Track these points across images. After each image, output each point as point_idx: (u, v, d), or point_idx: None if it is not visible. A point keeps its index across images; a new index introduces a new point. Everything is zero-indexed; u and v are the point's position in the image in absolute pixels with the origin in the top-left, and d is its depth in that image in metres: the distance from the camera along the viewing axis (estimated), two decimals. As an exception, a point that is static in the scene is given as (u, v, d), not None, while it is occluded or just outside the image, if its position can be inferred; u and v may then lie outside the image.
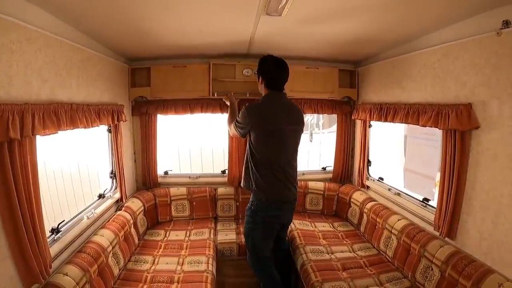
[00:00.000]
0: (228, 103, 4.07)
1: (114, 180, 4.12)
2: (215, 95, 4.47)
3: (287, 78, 3.28)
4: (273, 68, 3.22)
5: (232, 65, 4.55)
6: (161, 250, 3.89)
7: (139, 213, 4.21)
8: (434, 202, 3.35)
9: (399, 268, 3.36)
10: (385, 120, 3.84)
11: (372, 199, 4.34)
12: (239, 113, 3.42)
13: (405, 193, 3.92)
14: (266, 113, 3.20)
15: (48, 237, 2.66)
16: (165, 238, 4.20)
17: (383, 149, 4.89)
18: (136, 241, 3.93)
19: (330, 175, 5.26)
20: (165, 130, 5.28)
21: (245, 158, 3.37)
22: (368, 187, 4.67)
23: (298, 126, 3.35)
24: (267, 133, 3.18)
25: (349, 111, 4.98)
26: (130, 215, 3.92)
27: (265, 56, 3.29)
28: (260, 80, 3.31)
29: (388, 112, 3.77)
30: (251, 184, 3.29)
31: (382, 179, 4.48)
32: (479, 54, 2.58)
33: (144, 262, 3.57)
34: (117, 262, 3.29)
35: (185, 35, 3.41)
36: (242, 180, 3.47)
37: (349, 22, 2.91)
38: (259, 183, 3.23)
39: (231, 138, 4.79)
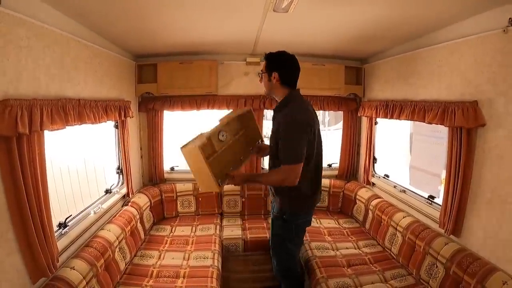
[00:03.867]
0: (235, 184, 3.04)
1: (121, 176, 4.16)
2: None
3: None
4: (291, 63, 2.86)
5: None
6: (167, 245, 3.93)
7: (146, 208, 4.24)
8: (439, 200, 3.34)
9: (404, 265, 3.37)
10: (391, 117, 3.83)
11: (377, 196, 4.34)
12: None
13: (411, 191, 3.92)
14: (309, 114, 2.81)
15: (56, 232, 2.70)
16: (171, 234, 4.23)
17: (389, 146, 4.88)
18: (142, 236, 3.97)
19: (336, 172, 5.28)
20: (172, 126, 5.29)
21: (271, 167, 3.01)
22: (373, 184, 4.68)
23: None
24: (316, 136, 2.81)
25: (355, 108, 4.98)
26: (137, 210, 3.95)
27: (277, 51, 2.89)
28: (272, 76, 2.84)
29: (394, 109, 3.77)
30: (285, 198, 2.92)
31: (387, 176, 4.47)
32: (485, 51, 2.57)
33: (150, 257, 3.61)
34: (123, 257, 3.32)
35: (191, 32, 3.42)
36: (272, 196, 3.06)
37: (355, 18, 2.91)
38: (299, 193, 2.85)
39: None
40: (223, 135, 3.01)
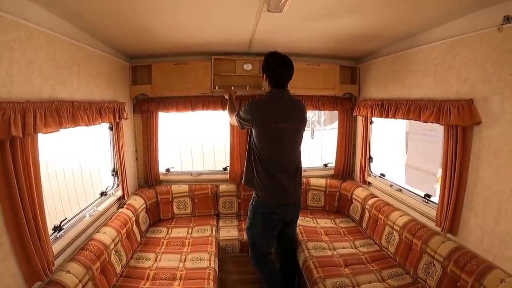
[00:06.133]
0: (226, 97, 4.09)
1: (116, 178, 4.12)
2: (216, 88, 4.48)
3: (291, 75, 3.25)
4: (276, 65, 3.20)
5: (233, 60, 4.54)
6: (163, 247, 3.90)
7: (141, 210, 4.22)
8: (435, 198, 3.34)
9: (401, 264, 3.37)
10: (387, 116, 3.83)
11: (373, 196, 4.35)
12: (240, 106, 3.43)
13: (407, 189, 3.91)
14: (268, 112, 3.18)
15: (51, 235, 2.67)
16: (167, 236, 4.21)
17: (385, 145, 4.88)
18: (138, 238, 3.95)
19: (332, 172, 5.27)
20: (167, 127, 5.28)
21: (247, 155, 3.38)
22: (369, 183, 4.68)
23: (300, 125, 3.33)
24: (268, 132, 3.17)
25: (350, 107, 4.98)
26: (132, 212, 3.93)
27: (270, 52, 3.26)
28: (264, 77, 3.29)
29: (390, 108, 3.77)
30: (253, 182, 3.30)
31: (383, 175, 4.47)
32: (480, 49, 2.57)
33: (146, 260, 3.58)
34: (119, 260, 3.30)
35: (185, 32, 3.40)
36: (243, 178, 3.47)
37: (350, 19, 2.90)
38: (259, 182, 3.25)
39: (232, 135, 4.80)
40: (248, 66, 4.47)
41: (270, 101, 3.24)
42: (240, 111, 3.35)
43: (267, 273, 3.51)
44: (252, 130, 3.25)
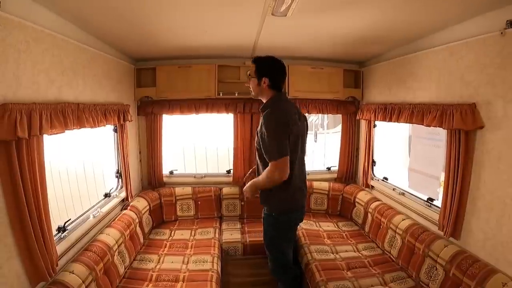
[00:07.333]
0: (252, 195, 3.18)
1: (120, 180, 4.15)
2: (220, 94, 4.52)
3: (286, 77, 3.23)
4: (278, 68, 3.09)
5: (237, 67, 4.60)
6: (166, 249, 3.92)
7: (145, 212, 4.24)
8: (438, 202, 3.34)
9: (404, 268, 3.36)
10: (390, 120, 3.83)
11: (376, 199, 4.35)
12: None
13: (410, 193, 3.92)
14: (289, 115, 2.91)
15: (55, 236, 2.69)
16: (170, 237, 4.23)
17: (388, 149, 4.88)
18: (142, 240, 3.97)
19: (335, 175, 5.27)
20: (171, 130, 5.30)
21: (260, 168, 3.08)
22: (372, 187, 4.68)
23: (305, 124, 3.24)
24: (294, 136, 2.90)
25: (353, 111, 4.98)
26: (136, 214, 3.95)
27: (267, 56, 3.10)
28: (262, 81, 3.02)
29: (393, 112, 3.77)
30: (269, 195, 3.04)
31: (386, 179, 4.48)
32: (484, 53, 2.58)
33: (149, 261, 3.60)
34: (122, 261, 3.32)
35: (189, 36, 3.42)
36: (260, 198, 3.13)
37: (354, 22, 2.92)
38: (281, 192, 2.97)
39: (236, 138, 4.82)
40: None
41: (285, 104, 3.05)
42: (275, 137, 2.78)
43: (290, 282, 3.40)
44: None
